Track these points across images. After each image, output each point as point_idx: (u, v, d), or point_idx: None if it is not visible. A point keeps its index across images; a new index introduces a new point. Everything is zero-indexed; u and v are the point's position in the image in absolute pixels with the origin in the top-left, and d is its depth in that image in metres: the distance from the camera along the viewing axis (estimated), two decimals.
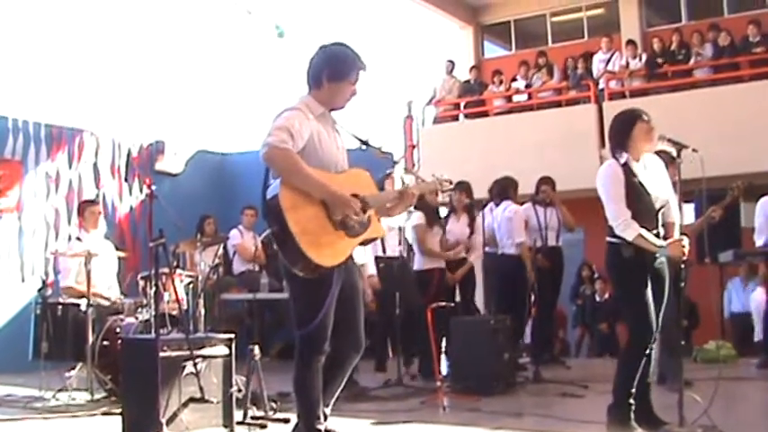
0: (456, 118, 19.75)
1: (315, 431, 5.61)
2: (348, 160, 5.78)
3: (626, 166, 6.31)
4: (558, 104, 18.26)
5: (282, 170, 5.30)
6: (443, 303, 9.50)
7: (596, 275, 16.06)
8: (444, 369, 9.82)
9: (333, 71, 5.59)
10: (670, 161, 6.99)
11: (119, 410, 7.02)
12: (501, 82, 19.16)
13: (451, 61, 20.00)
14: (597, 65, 18.13)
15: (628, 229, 6.17)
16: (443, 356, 10.25)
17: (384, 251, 10.02)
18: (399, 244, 9.83)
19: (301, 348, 5.61)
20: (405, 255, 10.34)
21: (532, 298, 10.95)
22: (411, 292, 9.93)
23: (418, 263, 10.66)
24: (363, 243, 5.74)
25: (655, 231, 6.27)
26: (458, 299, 10.98)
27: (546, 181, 11.82)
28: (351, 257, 5.70)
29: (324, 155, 5.52)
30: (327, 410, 5.78)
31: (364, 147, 5.96)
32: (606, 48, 18.15)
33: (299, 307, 5.57)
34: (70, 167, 13.75)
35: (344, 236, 5.47)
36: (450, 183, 6.52)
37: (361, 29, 20.87)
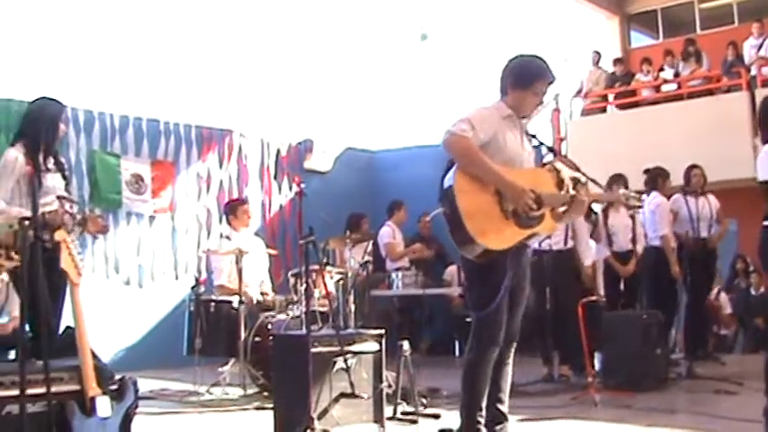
0: (604, 110, 19.46)
1: (474, 424, 5.63)
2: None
3: None
4: (709, 93, 17.82)
5: (459, 156, 5.48)
6: (594, 298, 9.38)
7: (751, 268, 15.65)
8: (597, 364, 9.70)
9: (515, 80, 5.79)
10: None
11: (271, 405, 7.09)
12: (649, 71, 18.81)
13: (598, 52, 19.68)
14: (749, 51, 17.64)
15: None
16: (595, 352, 10.13)
17: (539, 244, 9.90)
18: (549, 237, 9.72)
19: (478, 333, 5.66)
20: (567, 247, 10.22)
21: (680, 292, 10.77)
22: (562, 286, 9.82)
23: None
24: (532, 237, 5.77)
25: None
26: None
27: (695, 166, 11.53)
28: (524, 249, 5.81)
29: (508, 153, 5.66)
30: (505, 408, 5.82)
31: (545, 151, 6.15)
32: (757, 33, 17.62)
33: (476, 291, 5.69)
34: (220, 168, 14.02)
35: (513, 225, 5.56)
36: (640, 199, 6.53)
37: (508, 22, 20.75)
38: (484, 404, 5.66)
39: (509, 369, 5.85)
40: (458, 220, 5.38)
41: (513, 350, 5.85)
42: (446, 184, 5.52)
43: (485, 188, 5.48)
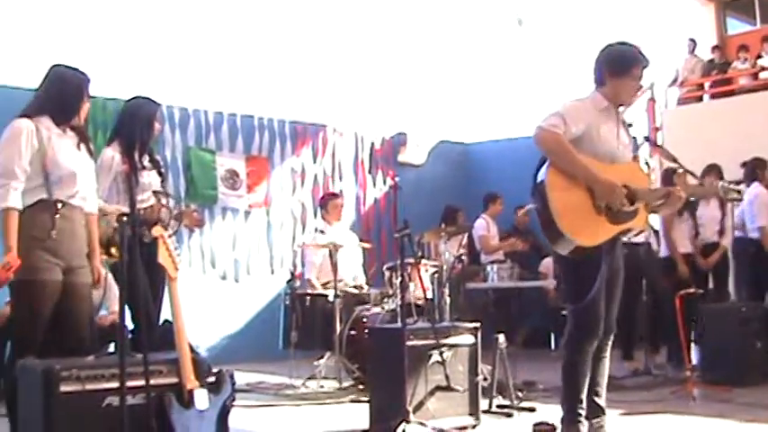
0: (700, 98, 19.17)
1: (575, 416, 5.61)
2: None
3: None
4: None
5: (549, 151, 5.48)
6: (692, 290, 9.24)
7: None
8: (695, 358, 9.56)
9: (612, 68, 5.73)
10: None
11: (366, 398, 7.15)
12: (746, 59, 18.47)
13: (693, 40, 19.39)
14: None
15: None
16: (693, 345, 9.98)
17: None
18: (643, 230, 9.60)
19: (574, 325, 5.63)
20: (650, 240, 10.12)
21: None
22: (657, 279, 9.73)
23: (664, 249, 10.39)
24: (625, 232, 5.73)
25: None
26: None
27: None
28: (617, 242, 5.76)
29: (600, 146, 5.61)
30: (602, 402, 5.79)
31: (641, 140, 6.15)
32: None
33: (569, 286, 5.73)
34: (314, 162, 14.08)
35: (606, 221, 5.52)
36: (740, 192, 6.44)
37: (602, 11, 20.51)
38: (584, 396, 5.62)
39: (606, 362, 5.81)
40: (548, 216, 5.38)
41: (610, 343, 5.79)
42: (538, 179, 5.51)
43: (577, 184, 5.45)
